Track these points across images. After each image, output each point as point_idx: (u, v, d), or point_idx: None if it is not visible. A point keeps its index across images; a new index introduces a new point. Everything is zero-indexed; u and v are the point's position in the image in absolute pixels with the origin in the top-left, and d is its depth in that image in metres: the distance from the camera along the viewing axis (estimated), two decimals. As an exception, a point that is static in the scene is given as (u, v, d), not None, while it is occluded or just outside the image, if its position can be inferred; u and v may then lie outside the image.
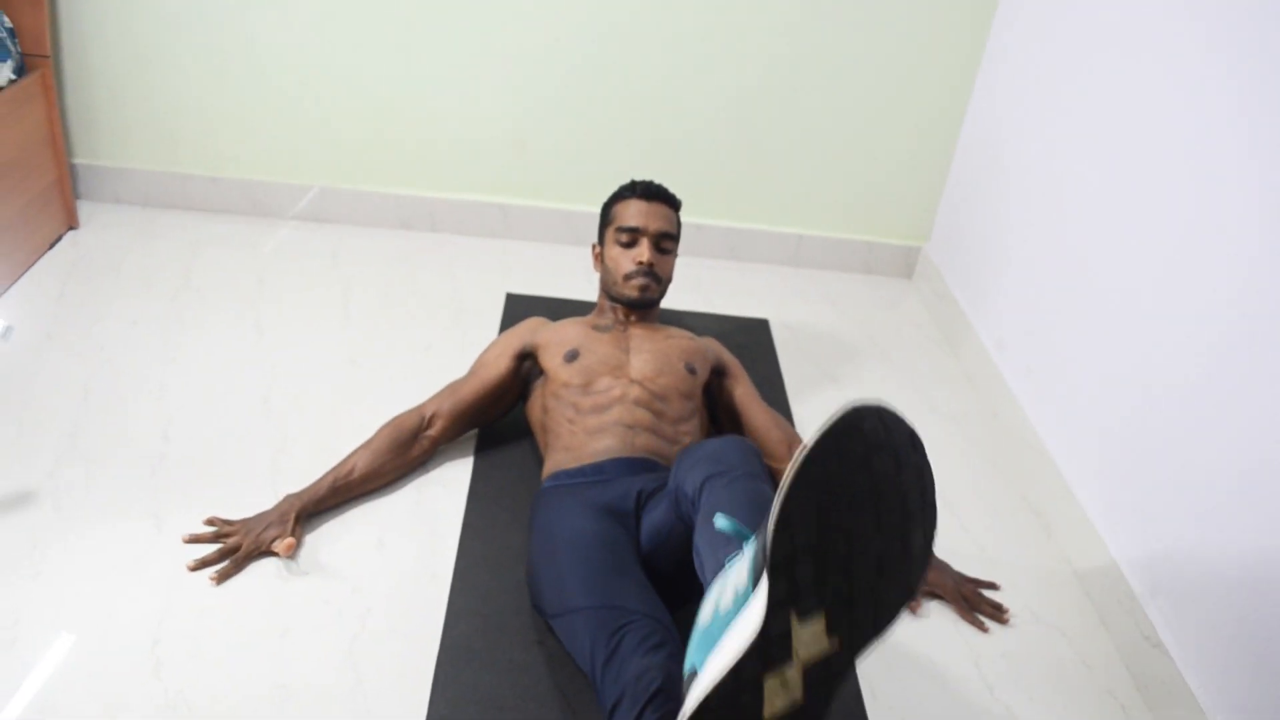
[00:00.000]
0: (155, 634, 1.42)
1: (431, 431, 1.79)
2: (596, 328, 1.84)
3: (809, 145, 2.64)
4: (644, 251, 1.85)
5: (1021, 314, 2.18)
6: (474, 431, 1.91)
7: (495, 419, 1.89)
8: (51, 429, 1.79)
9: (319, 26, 2.46)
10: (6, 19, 2.20)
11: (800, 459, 0.95)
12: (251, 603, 1.49)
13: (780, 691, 0.96)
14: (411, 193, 2.68)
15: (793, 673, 0.96)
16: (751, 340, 2.37)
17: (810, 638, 0.95)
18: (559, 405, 1.72)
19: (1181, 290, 1.62)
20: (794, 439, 1.86)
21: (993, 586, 1.73)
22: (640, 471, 1.60)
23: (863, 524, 0.96)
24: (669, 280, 1.93)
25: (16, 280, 2.23)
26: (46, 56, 2.30)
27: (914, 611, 1.64)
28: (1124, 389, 1.75)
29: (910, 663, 1.55)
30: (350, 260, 2.52)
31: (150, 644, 1.40)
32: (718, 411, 1.90)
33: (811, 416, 2.11)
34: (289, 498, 1.64)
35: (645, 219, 1.87)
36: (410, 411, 1.79)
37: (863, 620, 0.97)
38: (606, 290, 1.92)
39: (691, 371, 1.79)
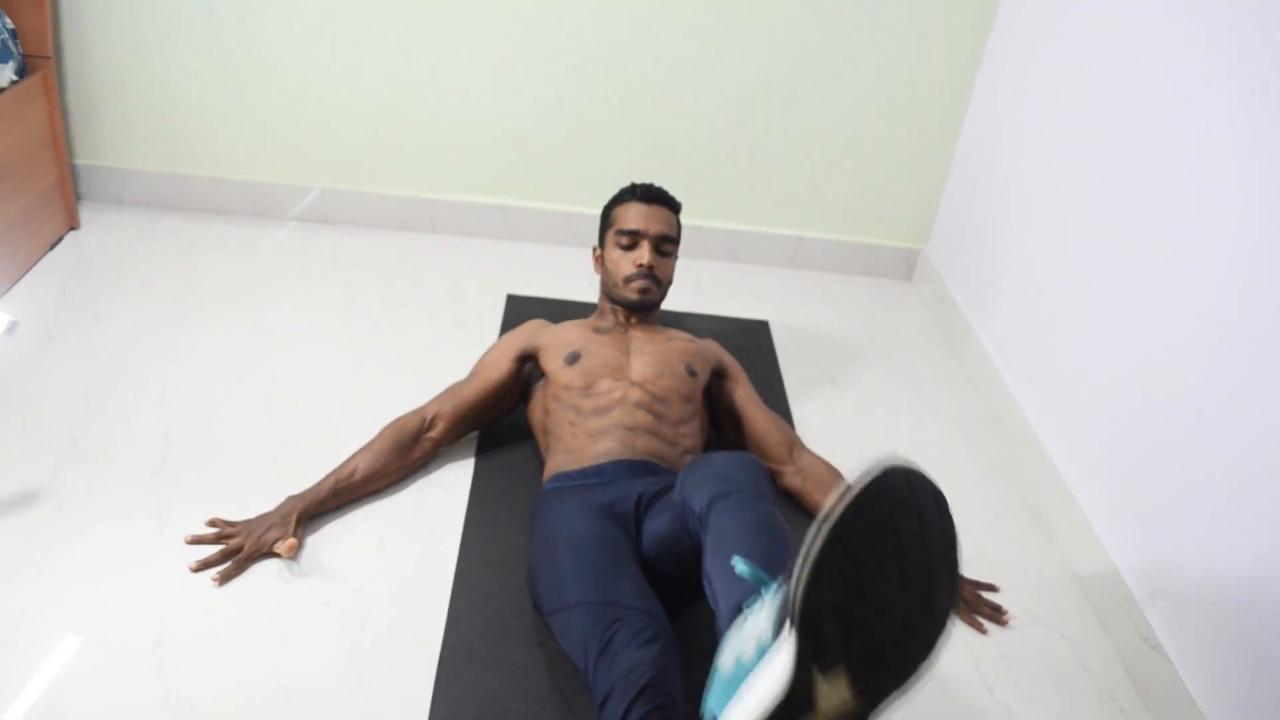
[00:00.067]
0: (158, 635, 1.42)
1: (433, 433, 1.79)
2: (597, 330, 1.84)
3: (809, 147, 2.64)
4: (644, 254, 1.86)
5: (1022, 317, 2.19)
6: (475, 433, 1.91)
7: (496, 421, 1.89)
8: (53, 430, 1.79)
9: (320, 28, 2.46)
10: (8, 20, 2.20)
11: (831, 521, 0.96)
12: (254, 604, 1.50)
13: None
14: (412, 194, 2.68)
15: None
16: (751, 342, 2.37)
17: (833, 692, 0.97)
18: (560, 407, 1.73)
19: (1181, 293, 1.62)
20: (794, 441, 1.87)
21: (992, 588, 1.73)
22: (641, 474, 1.60)
23: (889, 584, 0.97)
24: (669, 283, 1.93)
25: (18, 280, 2.23)
26: (48, 57, 2.31)
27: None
28: (1124, 392, 1.75)
29: (910, 665, 1.55)
30: (351, 261, 2.52)
31: (153, 645, 1.41)
32: (718, 414, 1.90)
33: (811, 418, 2.12)
34: (290, 499, 1.64)
35: (645, 222, 1.87)
36: (411, 413, 1.79)
37: (886, 677, 0.98)
38: (607, 293, 1.92)
39: (692, 374, 1.79)
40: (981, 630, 1.63)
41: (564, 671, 1.43)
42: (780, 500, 1.80)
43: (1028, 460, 2.03)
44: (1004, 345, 2.25)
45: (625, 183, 1.97)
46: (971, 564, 1.78)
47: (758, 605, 1.08)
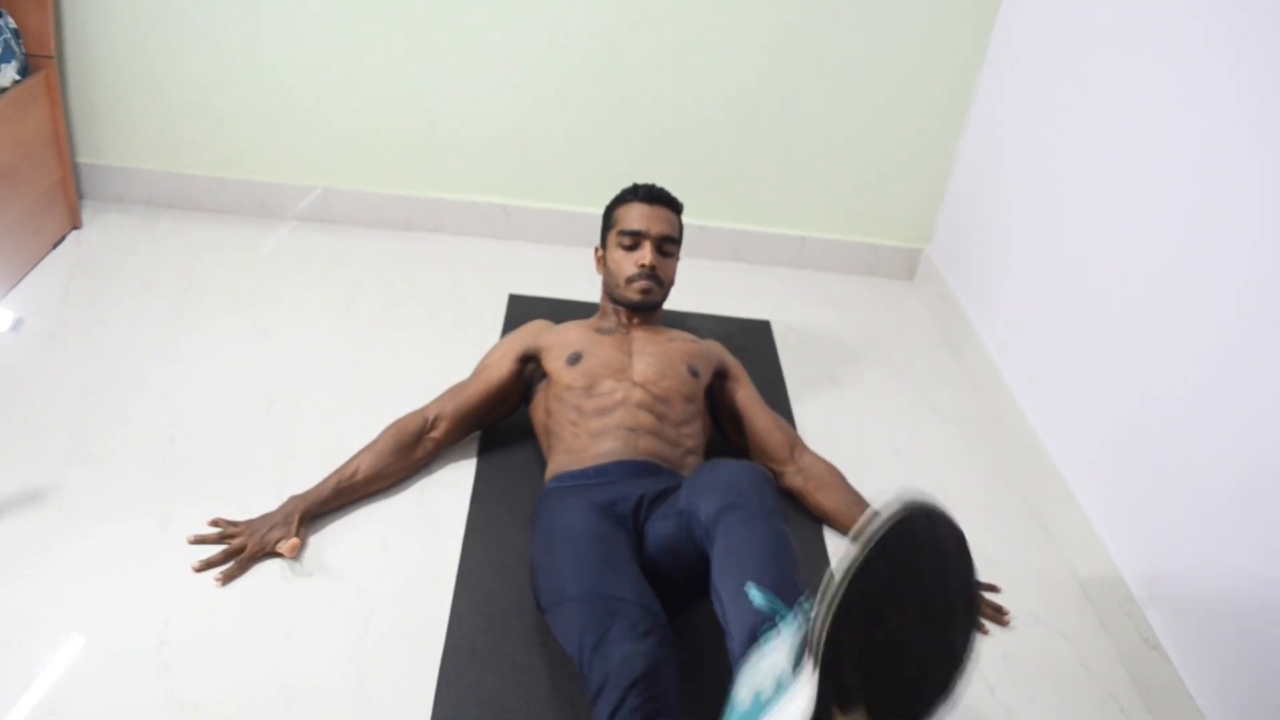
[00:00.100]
0: (161, 635, 1.43)
1: (435, 434, 1.79)
2: (599, 330, 1.84)
3: (811, 146, 2.64)
4: (646, 254, 1.86)
5: (1023, 317, 2.19)
6: (477, 433, 1.91)
7: (498, 421, 1.90)
8: (55, 429, 1.80)
9: (322, 27, 2.46)
10: (11, 20, 2.20)
11: (854, 563, 0.96)
12: (256, 604, 1.50)
13: None
14: (414, 193, 2.69)
15: None
16: (753, 342, 2.38)
17: None
18: (562, 408, 1.73)
19: (1183, 293, 1.62)
20: (795, 441, 1.87)
21: (993, 589, 1.73)
22: (643, 475, 1.60)
23: (909, 624, 0.98)
24: (671, 283, 1.93)
25: (21, 280, 2.23)
26: (51, 57, 2.31)
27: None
28: (1124, 392, 1.75)
29: (911, 665, 1.56)
30: (353, 261, 2.53)
31: (156, 645, 1.41)
32: (720, 414, 1.90)
33: (813, 418, 2.12)
34: (293, 499, 1.64)
35: (647, 222, 1.87)
36: (413, 414, 1.80)
37: (905, 716, 0.99)
38: (609, 293, 1.93)
39: (694, 374, 1.80)
40: (984, 631, 1.63)
41: (566, 672, 1.44)
42: (785, 505, 1.81)
43: (1028, 461, 2.03)
44: (1005, 346, 2.26)
45: (627, 182, 1.97)
46: (972, 564, 1.78)
47: (774, 637, 1.09)
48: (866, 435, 2.11)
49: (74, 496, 1.65)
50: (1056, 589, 1.77)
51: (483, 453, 1.88)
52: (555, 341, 1.82)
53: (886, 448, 2.08)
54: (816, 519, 1.83)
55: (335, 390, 2.01)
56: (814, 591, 1.05)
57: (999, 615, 1.66)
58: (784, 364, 2.32)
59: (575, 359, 1.77)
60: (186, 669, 1.38)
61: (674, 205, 1.93)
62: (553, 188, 2.70)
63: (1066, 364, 1.97)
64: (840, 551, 1.76)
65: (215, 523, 1.62)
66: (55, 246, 2.40)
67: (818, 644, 0.97)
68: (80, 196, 2.58)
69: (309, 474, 1.73)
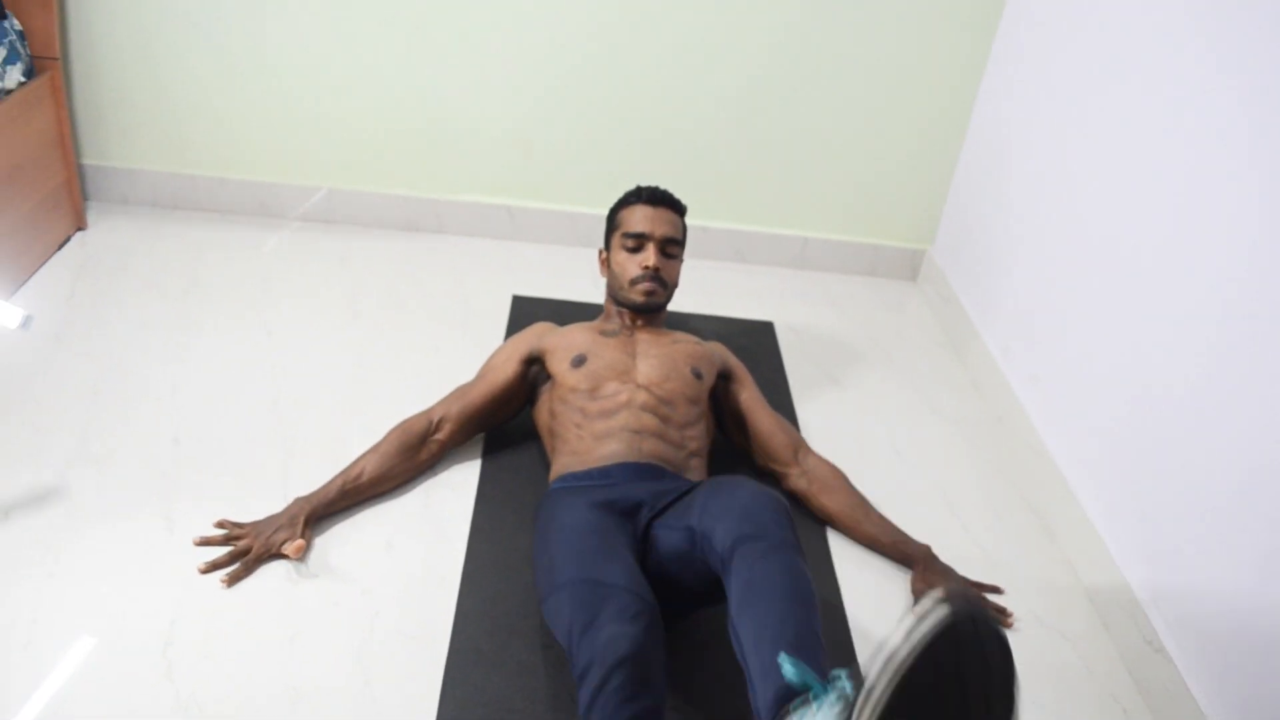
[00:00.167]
0: (167, 636, 1.43)
1: (440, 435, 1.80)
2: (603, 333, 1.85)
3: (814, 147, 2.65)
4: (650, 256, 1.86)
5: (1026, 318, 2.19)
6: (481, 435, 1.92)
7: (503, 423, 1.90)
8: (61, 430, 1.80)
9: (326, 28, 2.47)
10: (16, 22, 2.21)
11: (900, 670, 0.96)
12: (262, 605, 1.51)
13: None
14: (417, 194, 2.69)
15: None
16: (756, 343, 2.38)
17: None
18: (566, 410, 1.74)
19: (1185, 294, 1.63)
20: (799, 444, 1.87)
21: (996, 590, 1.74)
22: (647, 477, 1.61)
23: None
24: (675, 285, 1.94)
25: (26, 281, 2.24)
26: (56, 58, 2.31)
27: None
28: (1127, 394, 1.76)
29: (914, 666, 1.56)
30: (357, 262, 2.53)
31: (162, 646, 1.42)
32: (723, 416, 1.91)
33: (815, 419, 2.13)
34: (298, 500, 1.65)
35: (651, 224, 1.88)
36: (418, 415, 1.80)
37: None
38: (613, 295, 1.93)
39: (698, 376, 1.80)
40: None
41: (570, 672, 1.44)
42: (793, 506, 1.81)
43: (1030, 461, 2.04)
44: (1008, 346, 2.26)
45: (631, 183, 1.98)
46: (974, 565, 1.78)
47: (805, 712, 1.08)
48: (868, 436, 2.11)
49: (79, 497, 1.66)
50: (1058, 590, 1.77)
51: (487, 454, 1.89)
52: (560, 344, 1.83)
53: (888, 448, 2.08)
54: (820, 521, 1.84)
55: (339, 391, 2.02)
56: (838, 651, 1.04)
57: (1002, 617, 1.67)
58: (787, 365, 2.32)
59: (580, 361, 1.77)
60: (192, 670, 1.39)
61: (678, 207, 1.94)
62: (556, 188, 2.70)
63: (1069, 364, 1.97)
64: (841, 552, 1.78)
65: (221, 524, 1.63)
66: (60, 247, 2.40)
67: None
68: (85, 198, 2.59)
69: (313, 475, 1.74)
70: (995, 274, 2.37)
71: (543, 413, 1.82)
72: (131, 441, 1.80)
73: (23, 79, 2.21)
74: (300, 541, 1.57)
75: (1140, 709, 1.56)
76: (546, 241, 2.76)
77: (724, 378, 1.90)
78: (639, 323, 1.90)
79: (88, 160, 2.61)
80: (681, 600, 1.47)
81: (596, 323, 1.92)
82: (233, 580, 1.53)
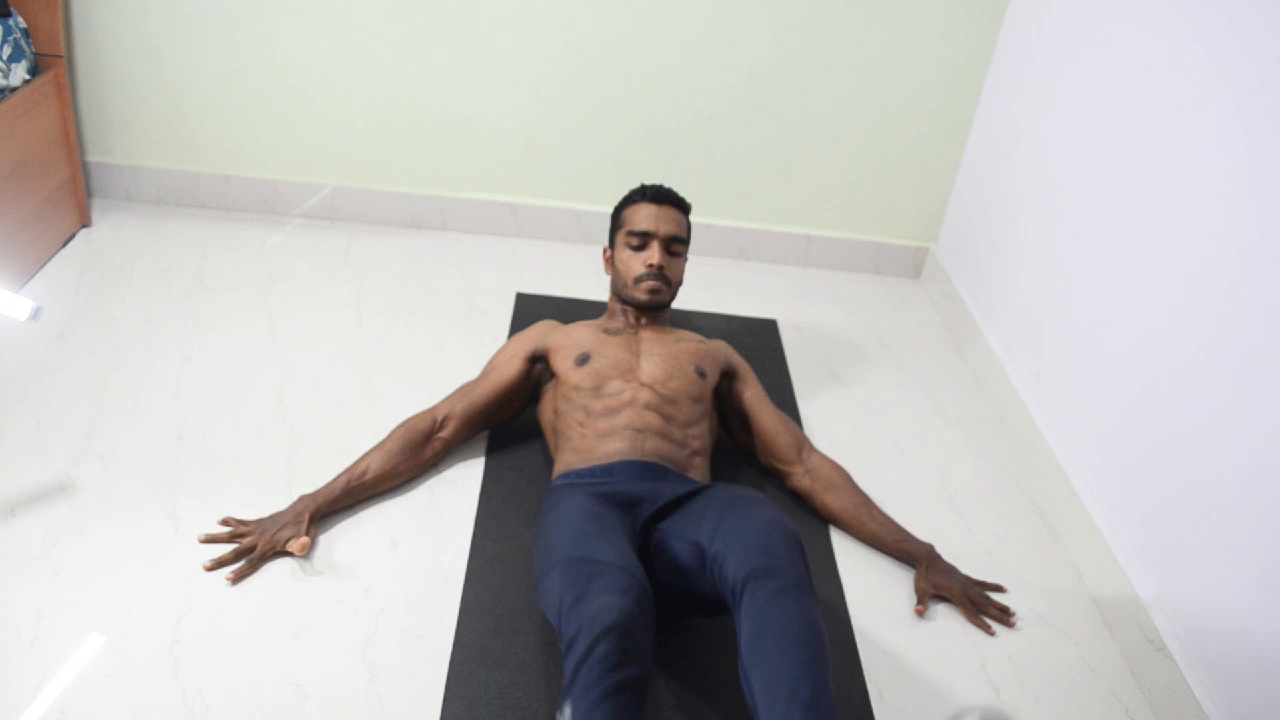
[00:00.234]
0: (172, 634, 1.44)
1: (444, 433, 1.80)
2: (607, 331, 1.85)
3: (817, 145, 2.65)
4: (654, 254, 1.87)
5: (1029, 316, 2.19)
6: (485, 433, 1.92)
7: (506, 421, 1.91)
8: (67, 428, 1.81)
9: (331, 26, 2.47)
10: (21, 19, 2.21)
11: None
12: (267, 603, 1.51)
13: None
14: (422, 191, 2.69)
15: None
16: (759, 340, 2.38)
17: None
18: (570, 408, 1.74)
19: (1189, 293, 1.63)
20: (803, 442, 1.88)
21: (999, 589, 1.74)
22: (649, 477, 1.61)
23: None
24: (679, 283, 1.94)
25: (31, 278, 2.25)
26: (60, 56, 2.32)
27: (920, 614, 1.66)
28: (1130, 393, 1.76)
29: (917, 665, 1.57)
30: (361, 259, 2.54)
31: (168, 643, 1.42)
32: (727, 414, 1.91)
33: (819, 417, 2.13)
34: (303, 498, 1.66)
35: (655, 222, 1.88)
36: (422, 413, 1.81)
37: None
38: (617, 293, 1.93)
39: (701, 375, 1.80)
40: (989, 632, 1.64)
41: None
42: (794, 504, 1.81)
43: (1034, 460, 2.04)
44: (1011, 344, 2.26)
45: (635, 181, 1.98)
46: (978, 565, 1.79)
47: None
48: (871, 434, 2.11)
49: (85, 495, 1.67)
50: (1062, 590, 1.78)
51: (491, 452, 1.89)
52: (564, 342, 1.83)
53: (891, 446, 2.09)
54: (823, 519, 1.84)
55: (344, 388, 2.02)
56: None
57: (1005, 616, 1.67)
58: (790, 363, 2.32)
59: (583, 359, 1.77)
60: (197, 667, 1.39)
61: (682, 205, 1.94)
62: (560, 186, 2.70)
63: (1071, 363, 1.98)
64: (844, 550, 1.78)
65: (226, 522, 1.63)
66: (65, 245, 2.41)
67: None
68: (90, 195, 2.60)
69: (318, 472, 1.75)
70: (998, 272, 2.37)
71: (546, 411, 1.83)
72: (136, 438, 1.81)
73: (27, 76, 2.22)
74: (305, 539, 1.58)
75: (1142, 708, 1.56)
76: (550, 239, 2.76)
77: (728, 376, 1.90)
78: (643, 321, 1.90)
79: (92, 157, 2.61)
80: (681, 608, 1.47)
81: (600, 321, 1.93)
82: (238, 578, 1.54)
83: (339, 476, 1.70)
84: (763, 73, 2.54)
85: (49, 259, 2.33)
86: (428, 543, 1.67)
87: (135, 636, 1.43)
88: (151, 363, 2.02)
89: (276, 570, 1.57)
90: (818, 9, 2.47)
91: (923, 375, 2.37)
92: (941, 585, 1.69)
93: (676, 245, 1.91)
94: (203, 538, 1.60)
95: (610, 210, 2.00)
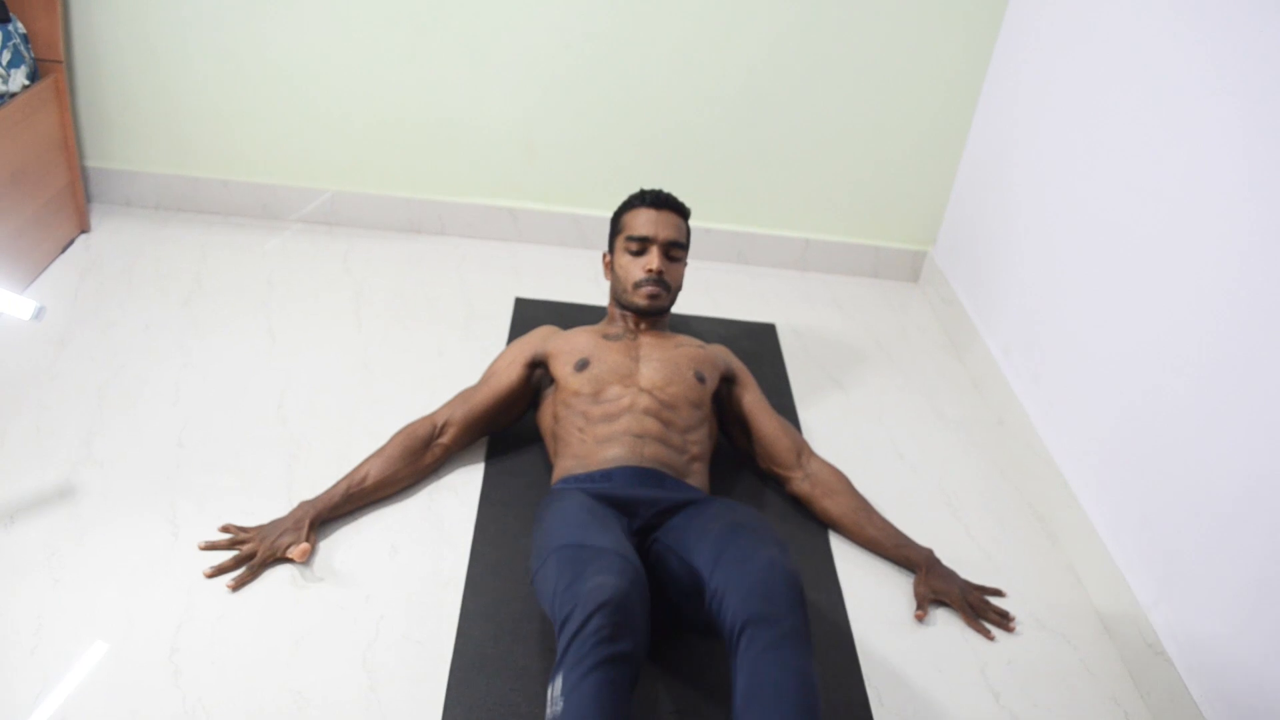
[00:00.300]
0: (173, 641, 1.44)
1: (443, 439, 1.81)
2: (607, 336, 1.85)
3: (816, 149, 2.65)
4: (653, 260, 1.87)
5: (1027, 319, 2.19)
6: (485, 438, 1.93)
7: (506, 426, 1.91)
8: (66, 434, 1.81)
9: (330, 31, 2.47)
10: (20, 25, 2.22)
11: None
12: (267, 610, 1.51)
13: None
14: (421, 196, 2.70)
15: None
16: (758, 345, 2.39)
17: None
18: (569, 414, 1.74)
19: (1188, 296, 1.63)
20: (802, 447, 1.88)
21: (998, 594, 1.74)
22: (649, 483, 1.61)
23: None
24: (678, 288, 1.94)
25: (31, 284, 2.25)
26: (59, 61, 2.32)
27: (920, 619, 1.66)
28: (1129, 397, 1.76)
29: (917, 669, 1.57)
30: (360, 264, 2.54)
31: (168, 651, 1.42)
32: (726, 419, 1.91)
33: (817, 421, 2.13)
34: (303, 504, 1.66)
35: (654, 228, 1.88)
36: (422, 420, 1.81)
37: None
38: (616, 298, 1.93)
39: (700, 380, 1.81)
40: (989, 636, 1.64)
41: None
42: (794, 508, 1.81)
43: (1033, 464, 2.04)
44: (1009, 347, 2.26)
45: (634, 186, 1.98)
46: (977, 569, 1.79)
47: None
48: (870, 438, 2.12)
49: (84, 501, 1.67)
50: (1061, 593, 1.78)
51: (491, 458, 1.90)
52: (563, 347, 1.84)
53: (890, 451, 2.09)
54: (823, 524, 1.84)
55: (343, 393, 2.02)
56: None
57: (1004, 621, 1.67)
58: (789, 367, 2.32)
59: (583, 365, 1.78)
60: (198, 674, 1.39)
61: (681, 210, 1.94)
62: (559, 191, 2.71)
63: (1070, 366, 1.98)
64: (843, 555, 1.78)
65: (226, 529, 1.63)
66: (64, 250, 2.41)
67: None
68: (89, 200, 2.60)
69: (318, 478, 1.75)
70: (997, 275, 2.38)
71: (546, 416, 1.83)
72: (135, 444, 1.81)
73: (27, 82, 2.22)
74: (305, 545, 1.58)
75: (1141, 712, 1.56)
76: (549, 243, 2.76)
77: (727, 381, 1.90)
78: (642, 326, 1.91)
79: (91, 163, 2.61)
80: (678, 625, 1.48)
81: (600, 326, 1.93)
82: (238, 585, 1.54)
83: (339, 483, 1.70)
84: (761, 77, 2.55)
85: (48, 264, 2.33)
86: (428, 549, 1.67)
87: (136, 644, 1.43)
88: (151, 368, 2.02)
89: (277, 577, 1.57)
90: (815, 14, 2.47)
91: (921, 379, 2.37)
92: (941, 590, 1.69)
93: (676, 250, 1.91)
94: (203, 545, 1.60)
95: (609, 215, 2.00)
